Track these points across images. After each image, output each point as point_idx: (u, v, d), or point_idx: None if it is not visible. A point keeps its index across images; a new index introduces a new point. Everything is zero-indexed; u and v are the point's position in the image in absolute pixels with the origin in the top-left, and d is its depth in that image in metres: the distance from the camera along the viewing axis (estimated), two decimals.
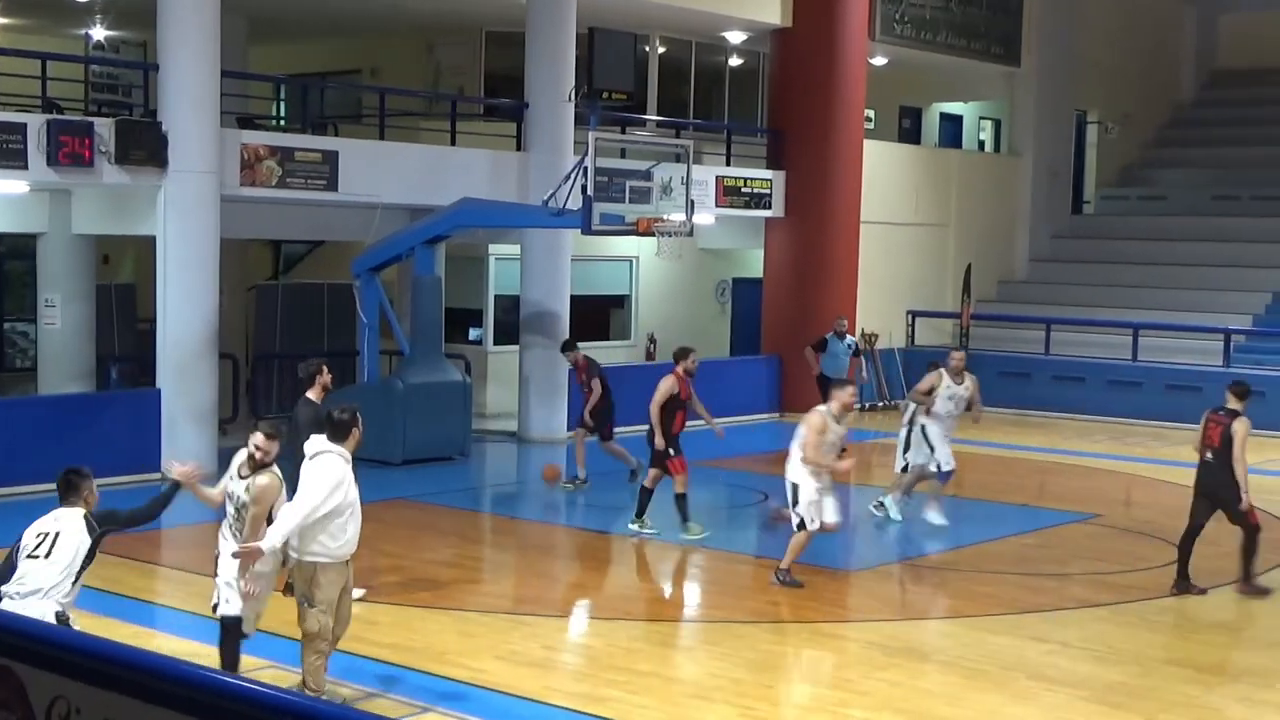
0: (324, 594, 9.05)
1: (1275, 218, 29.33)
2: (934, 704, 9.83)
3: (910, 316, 27.67)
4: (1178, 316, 26.39)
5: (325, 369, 11.63)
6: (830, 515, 12.86)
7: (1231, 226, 29.33)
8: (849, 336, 21.70)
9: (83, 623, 8.48)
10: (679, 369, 15.24)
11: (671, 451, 14.97)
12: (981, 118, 33.86)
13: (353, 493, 9.08)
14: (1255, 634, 12.20)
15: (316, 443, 9.20)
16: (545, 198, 18.86)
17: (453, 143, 21.24)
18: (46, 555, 8.05)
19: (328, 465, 9.01)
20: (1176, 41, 35.13)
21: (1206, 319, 26.12)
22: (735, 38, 25.46)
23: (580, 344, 18.83)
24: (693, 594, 13.74)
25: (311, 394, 11.50)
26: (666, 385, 15.05)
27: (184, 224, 17.30)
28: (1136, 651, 11.28)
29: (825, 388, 19.40)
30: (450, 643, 11.00)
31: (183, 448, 17.27)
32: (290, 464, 9.59)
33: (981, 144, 33.98)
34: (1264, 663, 11.10)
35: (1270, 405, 23.65)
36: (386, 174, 19.55)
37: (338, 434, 9.14)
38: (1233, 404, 13.03)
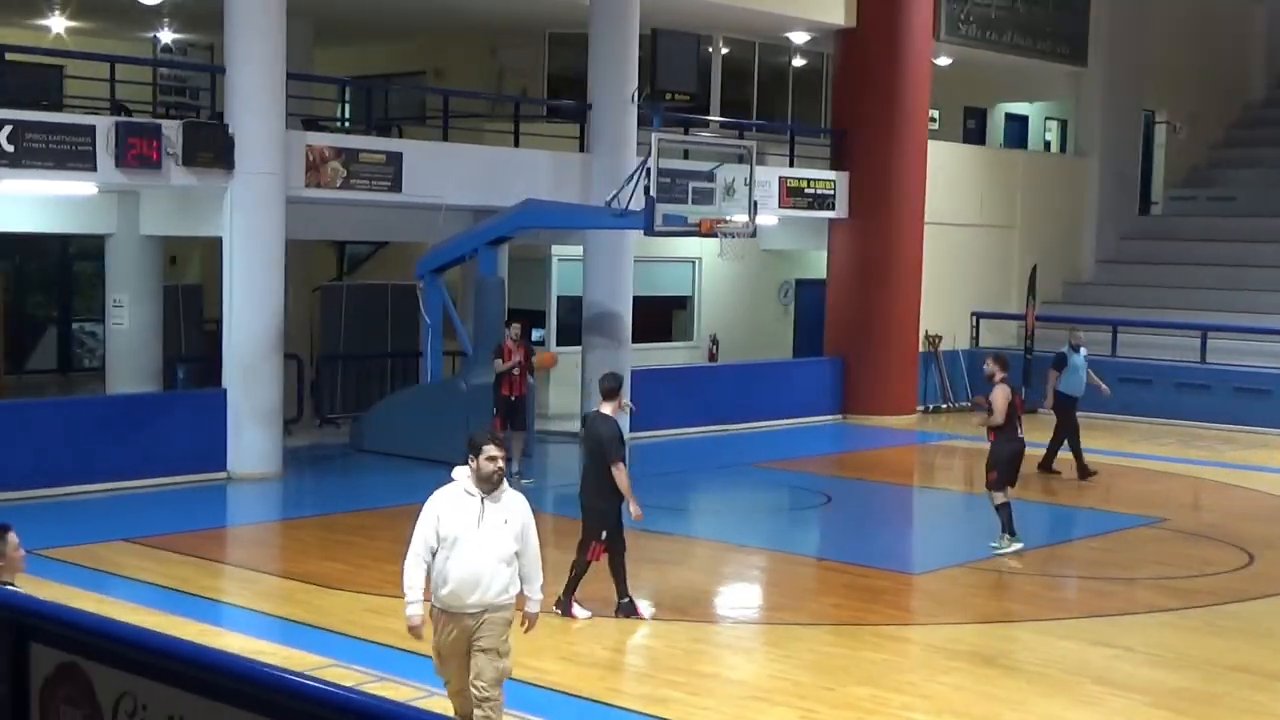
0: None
1: None
2: (998, 708, 9.77)
3: (974, 318, 27.49)
4: (1247, 318, 26.08)
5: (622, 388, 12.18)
6: None
7: None
8: (1083, 348, 20.29)
9: (150, 620, 8.55)
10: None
11: None
12: (1047, 118, 33.60)
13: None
14: None
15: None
16: (608, 199, 18.88)
17: (516, 144, 21.31)
18: None
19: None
20: (1246, 40, 34.71)
21: (1276, 321, 25.80)
22: (799, 38, 25.39)
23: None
24: (753, 596, 13.71)
25: (607, 408, 11.76)
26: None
27: (249, 225, 17.45)
28: (1202, 657, 11.17)
29: (1064, 409, 19.53)
30: (513, 643, 10.99)
31: (248, 447, 17.45)
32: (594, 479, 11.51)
33: (1047, 144, 33.71)
34: None
35: (1217, 397, 23.67)
36: (450, 175, 19.63)
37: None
38: None
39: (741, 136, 23.78)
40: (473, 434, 8.58)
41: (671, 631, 11.79)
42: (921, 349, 25.73)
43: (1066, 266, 29.66)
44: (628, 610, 11.82)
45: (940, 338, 26.39)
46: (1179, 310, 26.85)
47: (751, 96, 25.89)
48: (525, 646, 10.88)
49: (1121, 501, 18.25)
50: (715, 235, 19.01)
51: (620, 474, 11.43)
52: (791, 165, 24.41)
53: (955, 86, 28.76)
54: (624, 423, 12.55)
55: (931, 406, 26.06)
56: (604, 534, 11.64)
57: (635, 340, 21.72)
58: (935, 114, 27.51)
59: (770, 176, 23.15)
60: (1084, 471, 19.12)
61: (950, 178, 26.53)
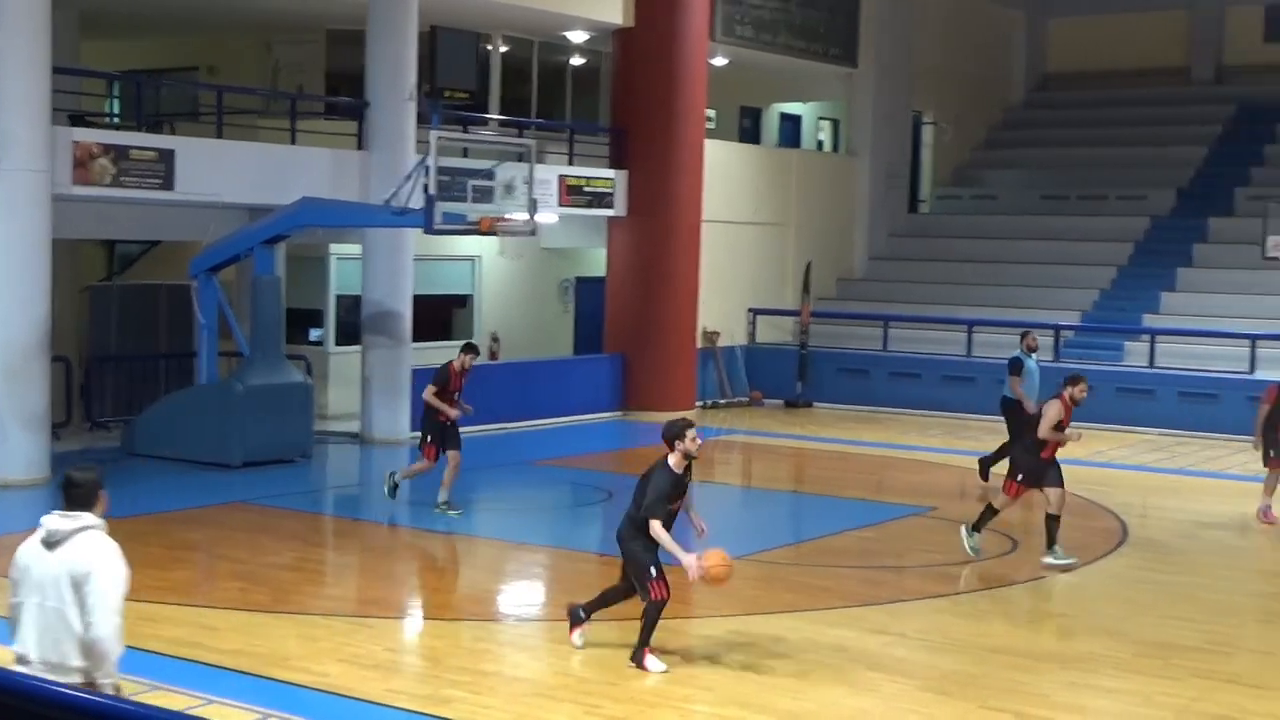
0: None
1: (1101, 216, 30.20)
2: (777, 697, 9.99)
3: (752, 315, 27.98)
4: (1010, 313, 27.01)
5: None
6: None
7: (1060, 225, 30.14)
8: (1035, 352, 19.31)
9: None
10: None
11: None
12: (820, 118, 34.35)
13: None
14: (1083, 622, 12.55)
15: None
16: (387, 197, 18.75)
17: (293, 141, 21.01)
18: None
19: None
20: (1008, 45, 35.97)
21: (1037, 315, 26.76)
22: (577, 37, 25.52)
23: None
24: (536, 593, 13.77)
25: (672, 458, 10.63)
26: None
27: (13, 224, 16.90)
28: (971, 641, 11.57)
29: (1015, 414, 18.42)
30: (292, 647, 10.91)
31: (14, 452, 16.92)
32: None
33: (820, 144, 34.46)
34: (1091, 649, 11.44)
35: (1100, 399, 24.40)
36: (225, 173, 19.28)
37: None
38: None
39: (521, 135, 23.80)
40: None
41: (454, 631, 11.80)
42: (700, 345, 26.09)
43: (840, 263, 30.36)
44: (573, 618, 11.08)
45: (718, 334, 26.79)
46: (946, 306, 27.73)
47: (531, 95, 25.94)
48: (304, 650, 10.81)
49: (893, 492, 18.77)
50: (495, 233, 19.03)
51: (656, 529, 10.44)
52: (571, 164, 24.53)
53: (731, 86, 29.22)
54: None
55: (710, 402, 26.44)
56: (654, 569, 10.54)
57: (415, 339, 21.62)
58: (712, 113, 27.92)
59: (550, 175, 23.22)
60: (985, 474, 18.73)
61: (727, 176, 26.95)
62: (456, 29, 19.94)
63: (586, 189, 24.30)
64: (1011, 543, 15.21)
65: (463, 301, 25.90)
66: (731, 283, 27.23)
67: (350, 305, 22.58)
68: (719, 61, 27.11)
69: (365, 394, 21.29)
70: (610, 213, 24.87)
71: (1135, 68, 35.06)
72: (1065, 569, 13.92)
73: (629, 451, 22.30)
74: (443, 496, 15.97)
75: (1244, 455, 18.35)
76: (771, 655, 10.96)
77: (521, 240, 19.75)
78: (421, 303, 22.17)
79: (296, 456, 19.28)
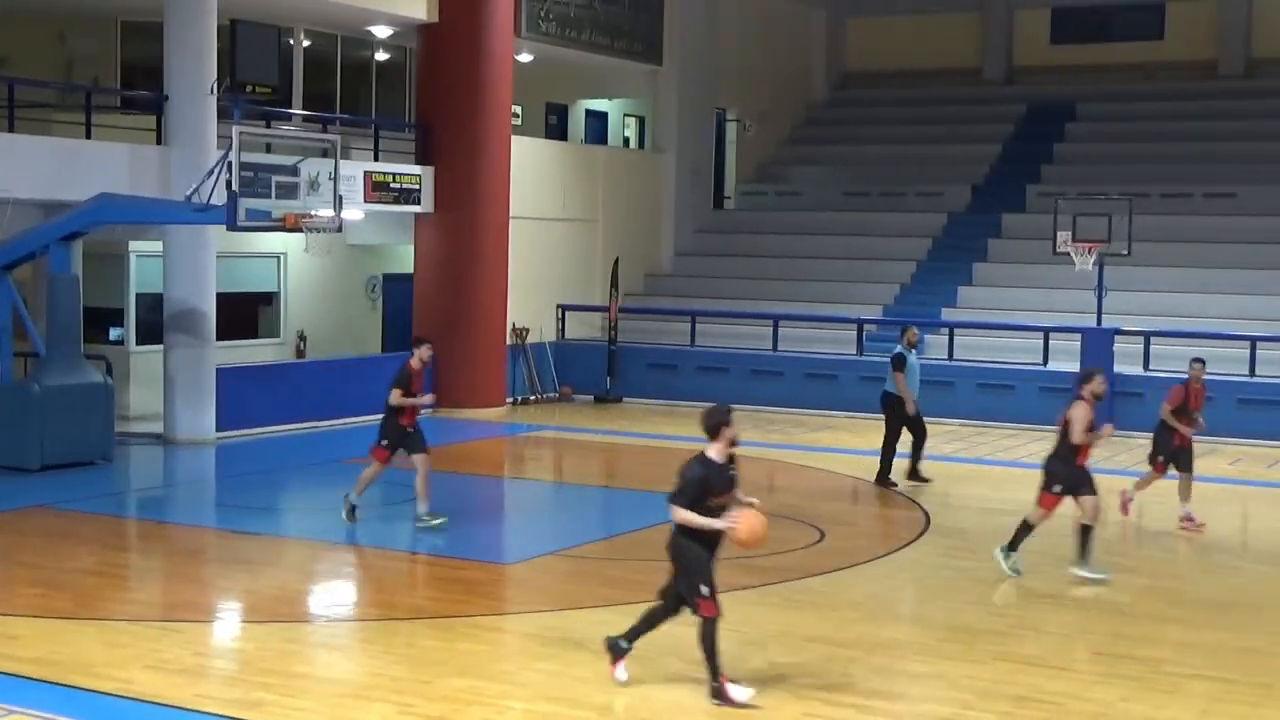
0: None
1: (902, 213, 30.91)
2: (591, 692, 10.04)
3: (560, 311, 28.03)
4: (814, 307, 27.54)
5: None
6: None
7: (862, 221, 30.77)
8: (916, 348, 19.27)
9: None
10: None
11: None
12: (626, 115, 34.54)
13: None
14: (889, 610, 12.84)
15: None
16: (188, 193, 18.40)
17: (88, 136, 20.46)
18: None
19: None
20: (808, 44, 36.57)
21: (840, 309, 27.32)
22: (381, 32, 25.30)
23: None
24: (347, 593, 13.64)
25: (711, 450, 10.10)
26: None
27: None
28: (781, 631, 11.76)
29: (895, 410, 18.57)
30: (96, 654, 10.65)
31: None
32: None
33: (626, 140, 34.66)
34: (897, 636, 11.72)
35: (789, 383, 25.31)
36: (17, 168, 18.69)
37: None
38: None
39: (325, 130, 23.51)
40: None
41: (264, 633, 11.62)
42: (509, 342, 26.07)
43: (647, 259, 30.57)
44: (614, 651, 10.28)
45: (527, 330, 26.79)
46: (752, 301, 28.13)
47: (335, 90, 25.64)
48: (109, 657, 10.56)
49: None
50: (300, 230, 18.78)
51: (678, 513, 9.79)
52: (376, 159, 24.31)
53: (537, 83, 29.24)
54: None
55: (520, 399, 26.44)
56: (705, 586, 9.86)
57: (220, 337, 21.25)
58: (518, 110, 27.89)
59: (355, 171, 23.00)
60: (884, 478, 18.65)
61: (534, 173, 26.96)
62: (257, 23, 19.63)
63: (393, 185, 24.10)
64: (819, 533, 15.49)
65: (268, 299, 25.50)
66: (540, 279, 27.25)
67: (152, 303, 22.08)
68: (524, 58, 27.10)
69: (168, 394, 20.85)
70: (417, 209, 24.69)
71: (931, 67, 35.96)
72: (1096, 582, 13.54)
73: (440, 449, 22.12)
74: (422, 508, 15.27)
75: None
76: (585, 650, 11.00)
77: (327, 237, 19.52)
78: (225, 301, 21.79)
79: (97, 459, 18.80)
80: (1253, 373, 23.41)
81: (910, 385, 18.53)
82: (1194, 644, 11.65)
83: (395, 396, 15.20)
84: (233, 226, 17.98)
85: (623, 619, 11.93)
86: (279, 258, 25.16)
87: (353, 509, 15.44)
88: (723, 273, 29.94)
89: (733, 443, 9.91)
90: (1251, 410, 22.96)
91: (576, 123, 33.69)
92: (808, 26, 36.39)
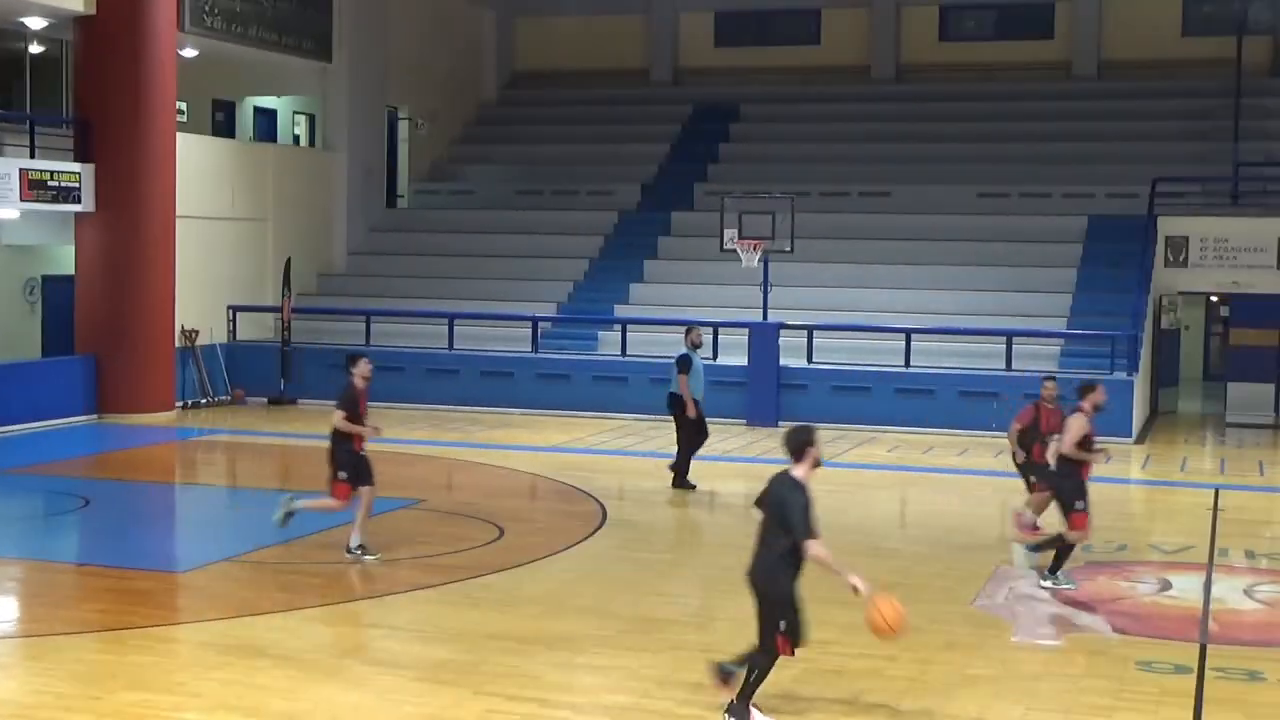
0: None
1: (574, 211, 31.27)
2: (269, 699, 9.91)
3: (231, 311, 27.42)
4: (490, 306, 27.66)
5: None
6: None
7: (535, 220, 31.03)
8: (700, 348, 19.16)
9: None
10: None
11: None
12: (296, 112, 34.01)
13: None
14: (570, 604, 13.01)
15: None
16: None
17: None
18: None
19: None
20: (478, 43, 36.64)
21: (516, 308, 27.51)
22: (35, 23, 24.30)
23: None
24: (9, 608, 13.08)
25: (798, 471, 9.45)
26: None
27: None
28: (462, 629, 11.81)
29: (683, 411, 18.23)
30: None
31: None
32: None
33: (297, 138, 34.12)
34: (577, 630, 11.90)
35: (465, 381, 25.58)
36: None
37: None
38: None
39: None
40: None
41: None
42: (178, 344, 25.38)
43: (319, 258, 30.17)
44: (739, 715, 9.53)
45: (197, 332, 26.12)
46: (428, 299, 28.04)
47: None
48: None
49: (380, 485, 18.80)
50: None
51: (818, 550, 9.19)
52: (33, 156, 23.32)
53: (203, 79, 28.55)
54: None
55: (190, 402, 25.76)
56: (785, 623, 9.35)
57: None
58: (183, 106, 27.15)
59: (10, 168, 22.07)
60: (682, 480, 18.47)
61: (201, 171, 26.32)
62: None
63: (50, 183, 23.16)
64: (498, 530, 15.60)
65: None
66: (209, 279, 26.60)
67: None
68: (189, 53, 26.43)
69: None
70: (77, 208, 23.77)
71: (599, 68, 36.46)
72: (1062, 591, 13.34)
73: (106, 455, 21.50)
74: (356, 540, 14.17)
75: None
76: (263, 656, 10.85)
77: None
78: None
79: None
80: (908, 364, 24.54)
81: (695, 387, 18.46)
82: (859, 625, 12.15)
83: (339, 420, 14.12)
84: None
85: (303, 624, 11.83)
86: None
87: (289, 514, 14.34)
88: (398, 272, 29.77)
89: (818, 463, 9.44)
90: (907, 399, 24.10)
91: (245, 120, 33.00)
92: (477, 26, 36.46)
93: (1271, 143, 29.07)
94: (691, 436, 18.55)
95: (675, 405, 18.55)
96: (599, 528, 16.11)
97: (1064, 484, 13.60)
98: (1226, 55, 30.80)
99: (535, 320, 26.70)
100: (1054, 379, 16.02)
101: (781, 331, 24.79)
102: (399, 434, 23.06)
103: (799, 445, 9.39)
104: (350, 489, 14.16)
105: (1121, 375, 23.41)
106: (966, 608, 12.80)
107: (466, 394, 25.93)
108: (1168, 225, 27.05)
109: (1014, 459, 15.89)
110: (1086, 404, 13.58)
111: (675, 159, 33.13)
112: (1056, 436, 14.10)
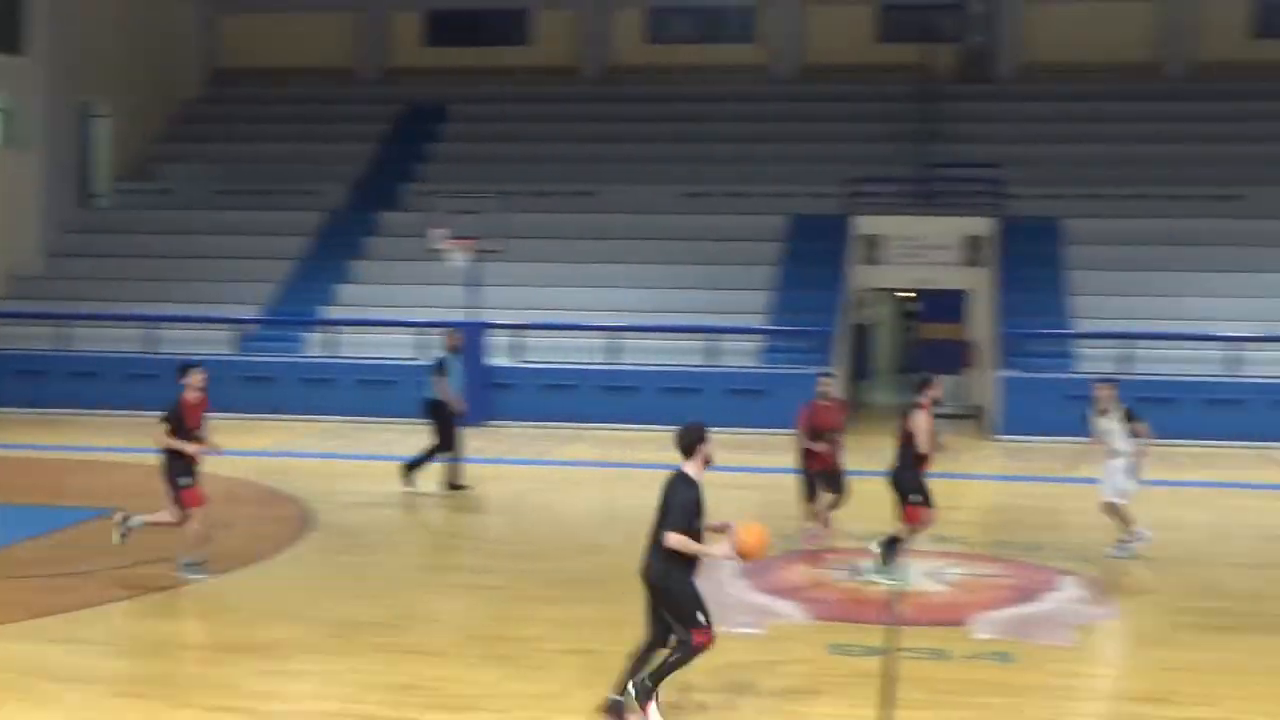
0: None
1: (278, 211, 30.71)
2: None
3: None
4: (192, 308, 26.99)
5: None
6: None
7: (237, 220, 30.39)
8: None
9: None
10: None
11: None
12: None
13: None
14: (271, 611, 12.79)
15: None
16: None
17: None
18: None
19: None
20: (182, 39, 35.66)
21: (219, 309, 26.91)
22: None
23: None
24: None
25: (689, 468, 9.33)
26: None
27: None
28: (159, 641, 11.54)
29: (440, 414, 17.83)
30: None
31: None
32: None
33: None
34: (279, 636, 11.72)
35: (282, 389, 25.11)
36: None
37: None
38: None
39: None
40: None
41: None
42: None
43: (11, 260, 28.99)
44: (614, 711, 9.50)
45: None
46: (130, 302, 27.19)
47: None
48: None
49: (72, 495, 18.23)
50: None
51: (675, 539, 9.18)
52: None
53: None
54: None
55: None
56: (701, 614, 9.32)
57: None
58: None
59: None
60: (456, 483, 18.33)
61: None
62: None
63: None
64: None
65: None
66: None
67: None
68: None
69: None
70: None
71: (305, 65, 35.86)
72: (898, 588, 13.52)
73: None
74: (185, 559, 13.39)
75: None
76: None
77: None
78: None
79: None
80: (612, 361, 24.87)
81: (452, 387, 18.31)
82: (566, 620, 12.31)
83: (161, 437, 13.37)
84: None
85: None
86: None
87: (125, 534, 13.54)
88: (96, 274, 28.79)
89: (708, 461, 9.45)
90: (612, 397, 24.43)
91: None
92: (180, 21, 35.48)
93: (961, 145, 30.34)
94: (444, 441, 18.44)
95: (431, 409, 18.46)
96: (301, 532, 15.89)
97: (902, 476, 13.98)
98: (920, 61, 32.06)
99: (239, 322, 26.20)
100: (830, 375, 16.19)
101: (492, 331, 24.82)
102: (93, 441, 22.38)
103: (689, 443, 9.44)
104: (202, 494, 13.51)
105: (817, 369, 24.11)
106: None
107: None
108: (862, 224, 28.02)
109: (805, 462, 15.54)
110: (925, 399, 13.80)
111: (384, 158, 32.88)
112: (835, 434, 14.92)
